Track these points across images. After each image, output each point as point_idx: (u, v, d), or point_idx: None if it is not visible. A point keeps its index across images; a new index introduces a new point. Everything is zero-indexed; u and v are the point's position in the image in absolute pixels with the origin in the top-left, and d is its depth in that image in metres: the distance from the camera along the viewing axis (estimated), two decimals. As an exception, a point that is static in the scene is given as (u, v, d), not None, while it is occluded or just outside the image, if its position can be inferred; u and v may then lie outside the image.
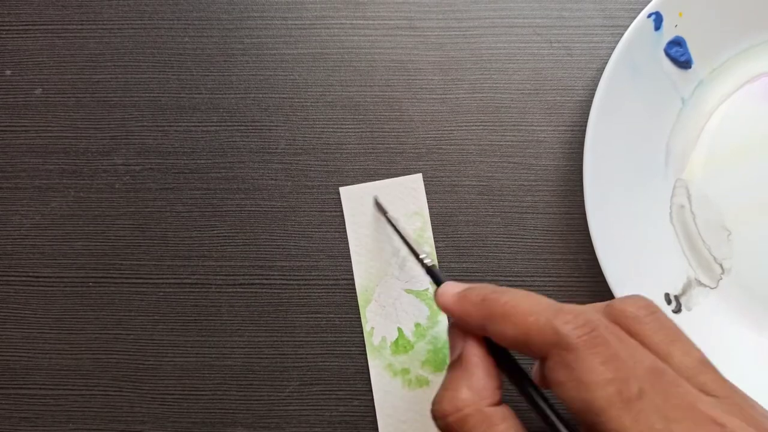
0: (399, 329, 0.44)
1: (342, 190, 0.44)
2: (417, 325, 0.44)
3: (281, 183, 0.45)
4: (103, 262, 0.45)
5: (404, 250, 0.43)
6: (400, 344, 0.43)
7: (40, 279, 0.45)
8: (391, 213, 0.43)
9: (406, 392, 0.43)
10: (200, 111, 0.45)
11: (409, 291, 0.44)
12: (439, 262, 0.44)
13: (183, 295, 0.45)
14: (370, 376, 0.43)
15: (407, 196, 0.44)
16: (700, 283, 0.43)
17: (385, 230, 0.44)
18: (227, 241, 0.45)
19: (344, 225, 0.44)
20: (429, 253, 0.43)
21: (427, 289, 0.44)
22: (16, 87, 0.46)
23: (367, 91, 0.45)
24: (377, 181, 0.44)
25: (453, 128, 0.45)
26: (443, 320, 0.44)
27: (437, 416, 0.32)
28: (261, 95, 0.45)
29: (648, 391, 0.28)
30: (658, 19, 0.41)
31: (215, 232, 0.45)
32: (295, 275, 0.44)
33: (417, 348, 0.43)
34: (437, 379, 0.43)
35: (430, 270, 0.38)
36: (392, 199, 0.44)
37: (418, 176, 0.44)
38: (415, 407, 0.43)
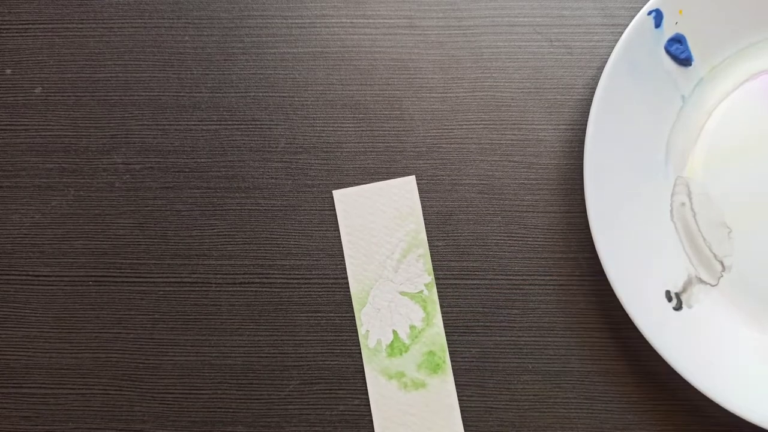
0: (394, 332, 0.43)
1: (335, 193, 0.44)
2: (412, 327, 0.43)
3: (281, 182, 0.45)
4: (103, 261, 0.45)
5: (398, 252, 0.43)
6: (396, 347, 0.43)
7: (40, 278, 0.45)
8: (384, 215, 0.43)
9: (403, 395, 0.43)
10: (200, 110, 0.45)
11: (403, 293, 0.44)
12: (439, 261, 0.44)
13: (183, 293, 0.44)
14: (366, 379, 0.43)
15: (400, 198, 0.44)
16: (701, 281, 0.43)
17: (380, 233, 0.44)
18: (227, 239, 0.45)
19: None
20: (423, 254, 0.43)
21: (421, 292, 0.44)
22: (16, 86, 0.46)
23: (367, 90, 0.45)
24: (370, 184, 0.44)
25: (453, 127, 0.45)
26: (438, 322, 0.44)
27: None
28: (261, 94, 0.45)
29: None
30: (658, 17, 0.41)
31: (215, 230, 0.45)
32: (295, 274, 0.44)
33: (412, 350, 0.43)
34: (433, 382, 0.43)
35: None
36: (385, 201, 0.44)
37: (411, 178, 0.44)
38: (412, 410, 0.43)
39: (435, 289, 0.44)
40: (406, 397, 0.43)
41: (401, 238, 0.44)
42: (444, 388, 0.43)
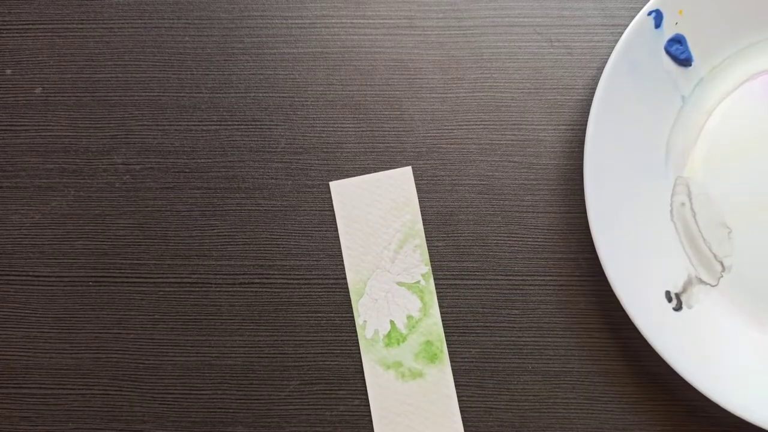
0: (391, 322, 0.44)
1: (332, 184, 0.44)
2: (409, 317, 0.44)
3: (281, 182, 0.45)
4: (103, 261, 0.45)
5: (395, 242, 0.43)
6: (393, 337, 0.43)
7: (40, 278, 0.45)
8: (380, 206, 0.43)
9: (400, 385, 0.43)
10: (200, 110, 0.45)
11: (401, 284, 0.44)
12: (439, 262, 0.44)
13: (183, 294, 0.44)
14: (364, 369, 0.43)
15: (396, 188, 0.44)
16: (701, 281, 0.43)
17: (377, 223, 0.44)
18: (227, 240, 0.45)
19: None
20: (419, 244, 0.43)
21: (418, 282, 0.44)
22: (17, 86, 0.46)
23: (367, 90, 0.45)
24: (367, 175, 0.44)
25: (453, 127, 0.45)
26: (435, 312, 0.44)
27: None
28: (261, 94, 0.45)
29: None
30: (658, 17, 0.41)
31: (215, 231, 0.45)
32: (295, 274, 0.44)
33: (410, 340, 0.43)
34: (431, 372, 0.43)
35: None
36: (382, 192, 0.44)
37: (408, 169, 0.44)
38: (410, 400, 0.43)
39: (432, 280, 0.44)
40: (404, 387, 0.43)
41: (398, 228, 0.44)
42: (442, 378, 0.43)
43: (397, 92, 0.45)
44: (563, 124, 0.45)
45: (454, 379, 0.43)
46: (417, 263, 0.44)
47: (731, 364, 0.41)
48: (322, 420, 0.44)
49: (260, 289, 0.44)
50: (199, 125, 0.45)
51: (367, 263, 0.44)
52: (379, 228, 0.44)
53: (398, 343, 0.43)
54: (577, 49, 0.45)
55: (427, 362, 0.43)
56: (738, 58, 0.43)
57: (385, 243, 0.44)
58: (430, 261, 0.44)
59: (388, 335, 0.44)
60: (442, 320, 0.44)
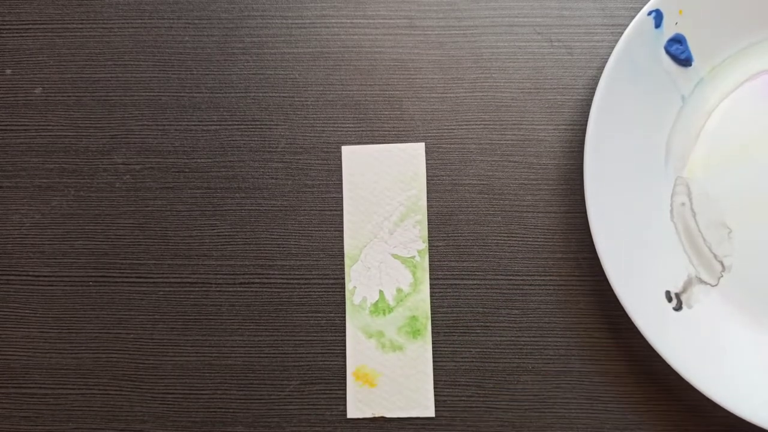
0: (380, 292, 0.44)
1: (344, 149, 0.44)
2: (398, 290, 0.44)
3: (281, 182, 0.45)
4: (103, 261, 0.45)
5: (396, 215, 0.43)
6: (380, 307, 0.44)
7: (41, 278, 0.45)
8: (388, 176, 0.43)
9: (379, 355, 0.43)
10: (200, 110, 0.45)
11: (396, 256, 0.44)
12: (439, 261, 0.44)
13: (183, 294, 0.45)
14: (346, 333, 0.43)
15: (407, 162, 0.44)
16: (701, 281, 0.43)
17: (381, 194, 0.44)
18: (227, 240, 0.45)
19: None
20: (420, 220, 0.43)
21: (413, 257, 0.44)
22: (17, 86, 0.46)
23: (367, 90, 0.45)
24: (380, 145, 0.44)
25: (453, 127, 0.45)
26: (425, 289, 0.44)
27: None
28: (261, 94, 0.45)
29: None
30: (658, 17, 0.41)
31: (215, 231, 0.45)
32: (295, 274, 0.44)
33: (395, 313, 0.44)
34: (412, 347, 0.43)
35: None
36: (391, 163, 0.44)
37: (420, 145, 0.44)
38: (386, 371, 0.43)
39: (427, 257, 0.44)
40: (383, 357, 0.43)
41: (401, 201, 0.44)
42: (422, 355, 0.43)
43: (397, 92, 0.45)
44: (563, 124, 0.45)
45: (454, 378, 0.43)
46: (415, 238, 0.44)
47: (731, 364, 0.41)
48: (322, 420, 0.44)
49: (260, 289, 0.44)
50: (199, 125, 0.45)
51: (365, 231, 0.44)
52: (383, 198, 0.44)
53: (384, 314, 0.44)
54: (577, 49, 0.45)
55: (409, 337, 0.43)
56: (738, 58, 0.43)
57: (386, 214, 0.44)
58: (430, 261, 0.44)
59: (375, 304, 0.44)
60: (442, 319, 0.44)
